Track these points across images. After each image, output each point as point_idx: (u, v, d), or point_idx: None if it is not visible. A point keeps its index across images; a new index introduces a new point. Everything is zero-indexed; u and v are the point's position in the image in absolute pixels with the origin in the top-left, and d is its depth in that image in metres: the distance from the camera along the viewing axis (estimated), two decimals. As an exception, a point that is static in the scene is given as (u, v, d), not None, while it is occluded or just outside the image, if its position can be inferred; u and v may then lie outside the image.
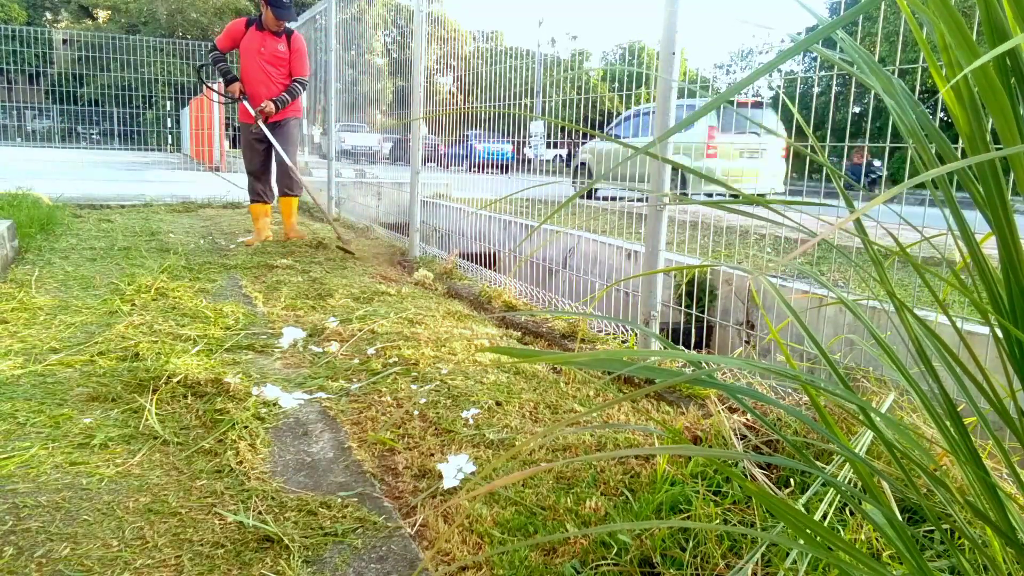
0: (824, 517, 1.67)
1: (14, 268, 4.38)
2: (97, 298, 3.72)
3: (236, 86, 5.48)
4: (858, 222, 0.92)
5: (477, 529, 1.70)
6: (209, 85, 6.52)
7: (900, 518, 0.83)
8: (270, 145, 5.55)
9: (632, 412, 2.52)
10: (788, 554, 1.52)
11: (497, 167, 5.37)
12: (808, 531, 0.79)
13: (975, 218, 0.83)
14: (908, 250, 0.81)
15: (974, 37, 0.68)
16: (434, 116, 5.86)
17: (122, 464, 1.96)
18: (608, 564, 1.56)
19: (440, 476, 1.99)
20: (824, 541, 0.79)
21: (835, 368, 0.93)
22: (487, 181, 5.48)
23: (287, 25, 5.58)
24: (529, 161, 5.56)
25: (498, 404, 2.47)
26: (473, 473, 2.00)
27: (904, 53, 2.37)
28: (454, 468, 2.01)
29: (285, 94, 5.47)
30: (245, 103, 5.47)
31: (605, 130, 5.21)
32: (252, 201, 5.76)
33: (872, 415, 0.82)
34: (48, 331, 3.10)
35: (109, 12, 35.25)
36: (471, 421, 2.34)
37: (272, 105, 5.41)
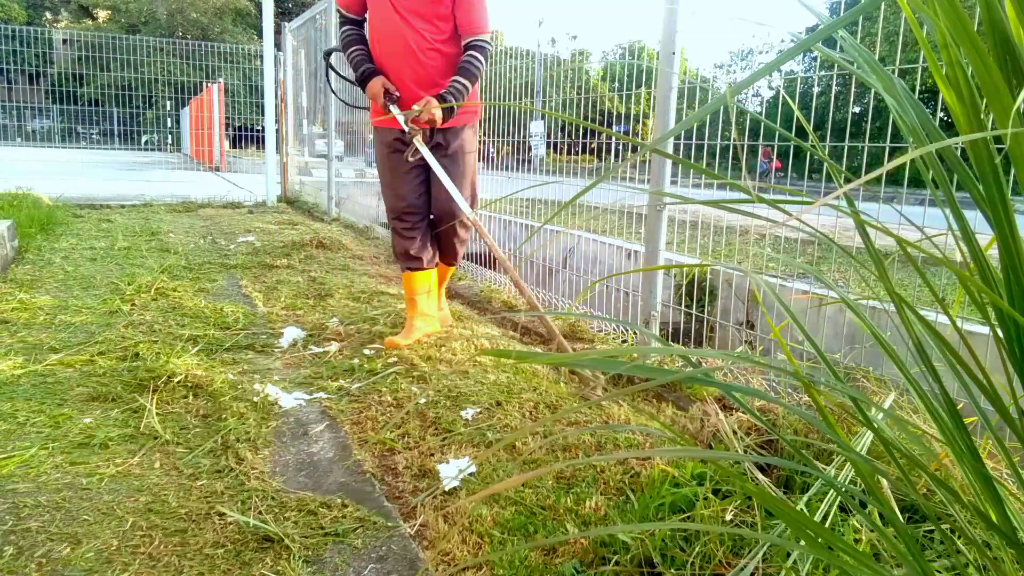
0: (825, 517, 1.67)
1: (14, 268, 4.38)
2: (97, 298, 3.72)
3: (379, 82, 2.91)
4: (858, 222, 0.92)
5: (477, 529, 1.70)
6: (332, 85, 4.25)
7: (901, 518, 0.83)
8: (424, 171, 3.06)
9: (632, 412, 2.52)
10: (789, 554, 1.52)
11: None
12: (809, 532, 0.79)
13: (975, 218, 0.83)
14: (908, 249, 0.81)
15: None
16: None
17: (122, 464, 1.96)
18: (608, 564, 1.56)
19: (440, 477, 1.98)
20: (825, 542, 0.79)
21: (831, 366, 0.93)
22: (487, 181, 5.48)
23: None
24: (529, 161, 5.56)
25: (498, 404, 2.47)
26: (473, 474, 2.00)
27: (904, 53, 2.36)
28: (454, 469, 2.01)
29: (460, 79, 2.85)
30: (394, 111, 2.91)
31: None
32: (407, 268, 3.16)
33: (869, 412, 0.81)
34: (48, 331, 3.10)
35: (109, 12, 35.26)
36: (471, 421, 2.33)
37: (434, 104, 2.81)
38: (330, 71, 3.53)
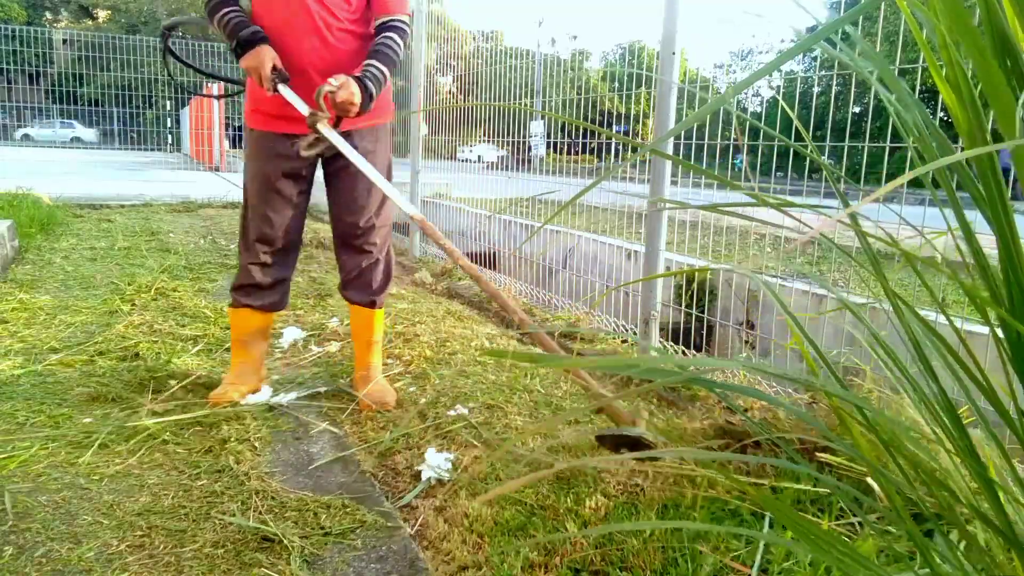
0: (827, 512, 1.68)
1: (14, 268, 4.38)
2: (97, 298, 3.72)
3: (267, 53, 2.19)
4: (856, 222, 0.92)
5: (477, 529, 1.70)
6: (171, 70, 2.81)
7: (912, 522, 0.83)
8: (310, 186, 2.44)
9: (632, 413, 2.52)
10: (788, 555, 1.52)
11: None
12: (812, 536, 0.79)
13: (975, 218, 0.83)
14: (904, 247, 0.81)
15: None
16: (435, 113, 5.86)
17: (122, 464, 1.96)
18: (609, 564, 1.56)
19: (429, 465, 1.99)
20: (829, 547, 0.79)
21: (832, 368, 0.93)
22: (487, 181, 5.48)
23: None
24: (529, 161, 5.56)
25: (498, 404, 2.47)
26: (462, 470, 2.00)
27: (904, 53, 2.37)
28: (440, 460, 2.02)
29: (378, 65, 2.24)
30: (284, 92, 2.20)
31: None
32: (235, 304, 2.49)
33: (869, 413, 0.82)
34: (48, 331, 3.10)
35: (109, 12, 35.27)
36: (471, 420, 2.33)
37: (352, 89, 2.15)
38: (170, 56, 2.65)
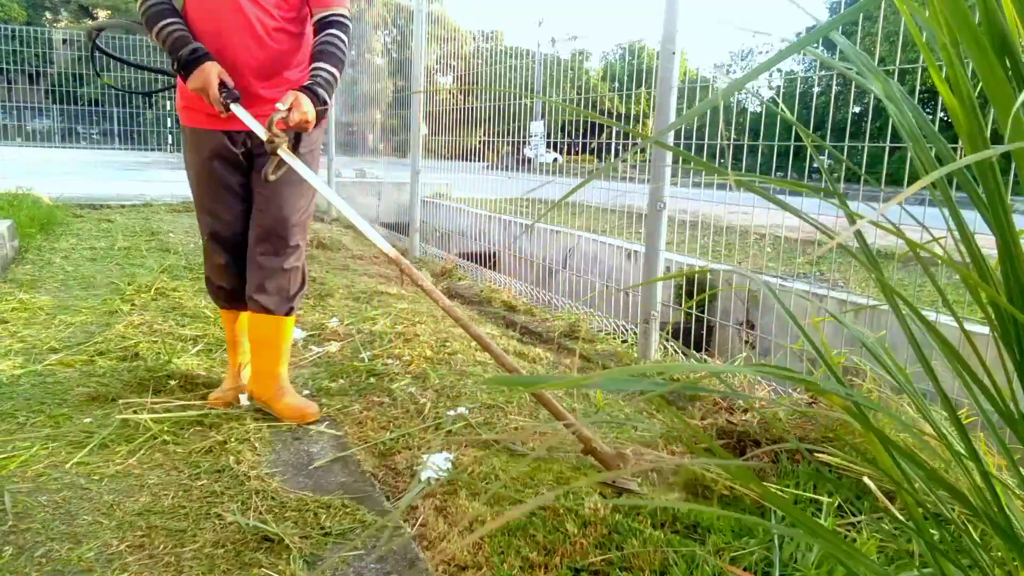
0: (828, 509, 1.68)
1: (14, 268, 4.38)
2: (97, 298, 3.72)
3: (214, 71, 2.10)
4: (855, 223, 0.92)
5: (477, 528, 1.70)
6: (98, 69, 2.63)
7: (924, 523, 0.83)
8: (251, 173, 2.33)
9: (632, 413, 2.52)
10: (792, 556, 1.52)
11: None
12: (818, 533, 0.79)
13: (975, 218, 0.83)
14: (908, 249, 0.80)
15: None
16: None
17: (122, 464, 1.96)
18: (609, 564, 1.56)
19: (428, 466, 1.99)
20: (835, 546, 0.79)
21: (832, 369, 0.93)
22: (487, 181, 5.48)
23: None
24: (529, 161, 5.56)
25: (498, 404, 2.47)
26: (462, 470, 2.00)
27: (904, 53, 2.36)
28: (440, 461, 2.02)
29: (326, 67, 2.18)
30: (238, 111, 2.13)
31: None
32: (225, 305, 2.46)
33: (869, 413, 0.82)
34: (48, 331, 3.10)
35: (109, 12, 35.27)
36: (472, 420, 2.34)
37: (305, 108, 2.10)
38: (98, 54, 2.58)
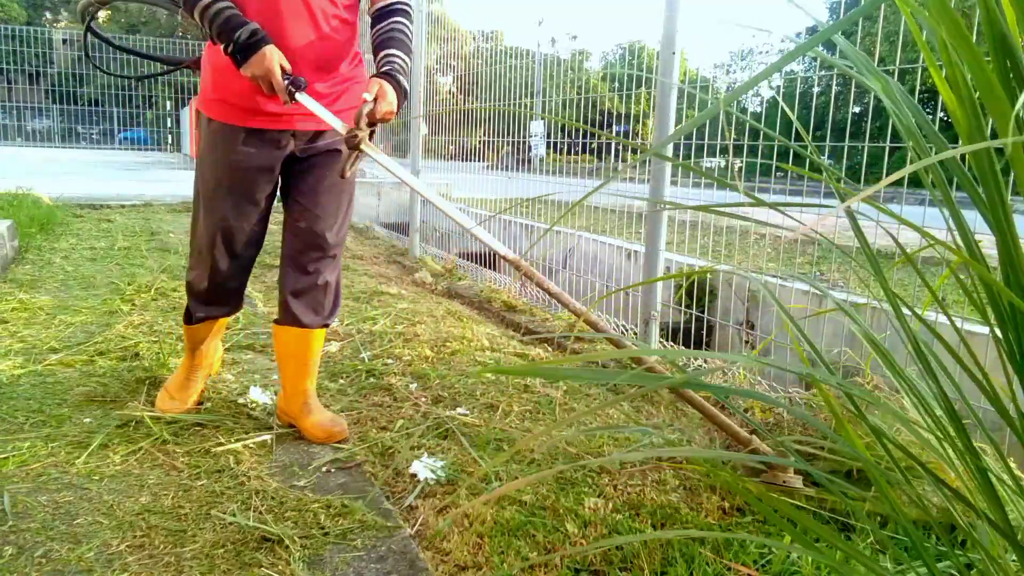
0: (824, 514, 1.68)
1: (14, 268, 4.38)
2: (97, 298, 3.72)
3: (275, 56, 1.87)
4: (855, 223, 0.92)
5: (477, 529, 1.70)
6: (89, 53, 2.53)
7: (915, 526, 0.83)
8: (275, 191, 2.16)
9: (631, 412, 2.52)
10: (788, 555, 1.52)
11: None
12: (810, 538, 0.79)
13: (975, 218, 0.83)
14: (909, 250, 0.81)
15: (973, 38, 0.68)
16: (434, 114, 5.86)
17: (122, 464, 1.96)
18: (609, 564, 1.56)
19: (427, 472, 1.99)
20: (831, 550, 0.79)
21: (831, 369, 0.93)
22: (488, 181, 5.48)
23: None
24: (529, 161, 5.56)
25: (498, 404, 2.47)
26: (462, 471, 2.00)
27: (904, 53, 2.37)
28: (424, 467, 2.02)
29: (401, 55, 2.04)
30: (305, 101, 1.92)
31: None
32: (198, 318, 2.28)
33: (867, 411, 0.82)
34: (48, 331, 3.10)
35: (109, 12, 35.26)
36: (472, 420, 2.34)
37: (390, 98, 1.94)
38: (93, 36, 2.40)
